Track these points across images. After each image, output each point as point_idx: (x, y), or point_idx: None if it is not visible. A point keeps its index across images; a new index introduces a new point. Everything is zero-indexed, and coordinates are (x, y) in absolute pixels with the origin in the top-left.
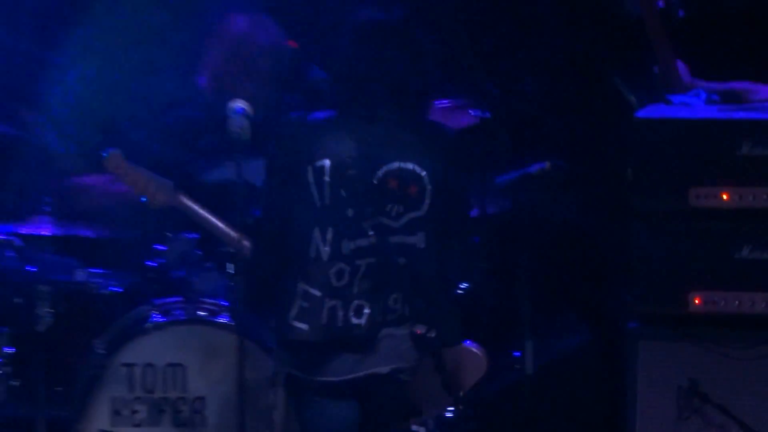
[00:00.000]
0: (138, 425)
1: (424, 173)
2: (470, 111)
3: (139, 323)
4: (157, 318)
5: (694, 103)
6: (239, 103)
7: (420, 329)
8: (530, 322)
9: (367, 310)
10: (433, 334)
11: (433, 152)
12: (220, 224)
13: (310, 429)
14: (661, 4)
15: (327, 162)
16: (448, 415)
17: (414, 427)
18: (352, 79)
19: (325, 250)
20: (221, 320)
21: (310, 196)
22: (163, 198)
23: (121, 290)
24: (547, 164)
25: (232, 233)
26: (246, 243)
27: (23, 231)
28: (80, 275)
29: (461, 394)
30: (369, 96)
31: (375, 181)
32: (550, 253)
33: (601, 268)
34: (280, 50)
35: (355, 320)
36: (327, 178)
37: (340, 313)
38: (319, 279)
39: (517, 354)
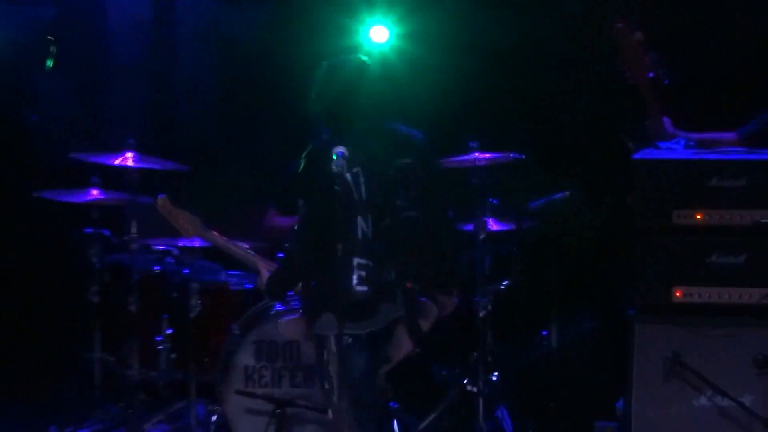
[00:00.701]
0: (264, 386)
1: (415, 165)
2: (512, 154)
3: (265, 311)
4: (278, 307)
5: (676, 148)
6: (340, 149)
7: (409, 283)
8: (555, 309)
9: (392, 270)
10: (417, 287)
11: (414, 149)
12: (240, 251)
13: (354, 368)
14: (651, 74)
15: (359, 168)
16: (494, 378)
17: (469, 387)
18: (333, 113)
19: (369, 231)
20: None
21: (352, 194)
22: (192, 230)
23: (251, 287)
24: (568, 193)
25: (252, 258)
26: (262, 267)
27: (180, 243)
28: (222, 276)
29: (419, 341)
30: (352, 121)
31: (390, 176)
32: (570, 259)
33: (609, 269)
34: None
35: (388, 278)
36: (362, 179)
37: (382, 274)
38: (368, 253)
39: (545, 333)
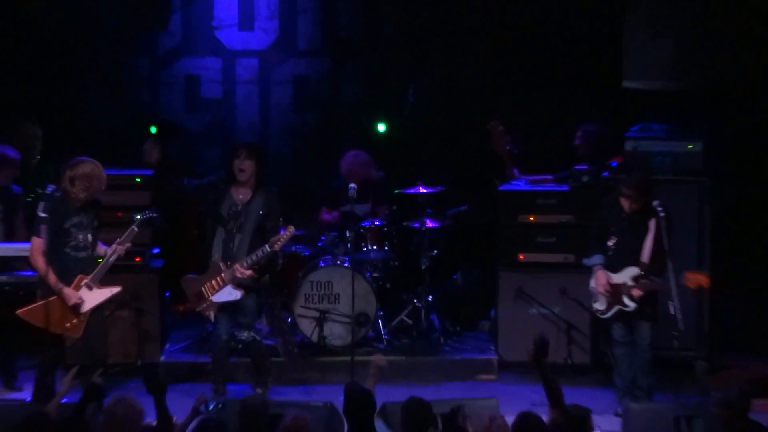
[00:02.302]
0: (314, 303)
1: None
2: (438, 187)
3: (316, 265)
4: (322, 264)
5: (520, 184)
6: (353, 184)
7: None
8: (461, 264)
9: None
10: None
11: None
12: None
13: None
14: (508, 147)
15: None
16: (429, 299)
17: (417, 304)
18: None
19: None
20: (346, 265)
21: None
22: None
23: (308, 253)
24: (466, 207)
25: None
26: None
27: None
28: (293, 248)
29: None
30: None
31: None
32: (470, 241)
33: (487, 244)
34: (370, 167)
35: None
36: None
37: None
38: None
39: (455, 276)
